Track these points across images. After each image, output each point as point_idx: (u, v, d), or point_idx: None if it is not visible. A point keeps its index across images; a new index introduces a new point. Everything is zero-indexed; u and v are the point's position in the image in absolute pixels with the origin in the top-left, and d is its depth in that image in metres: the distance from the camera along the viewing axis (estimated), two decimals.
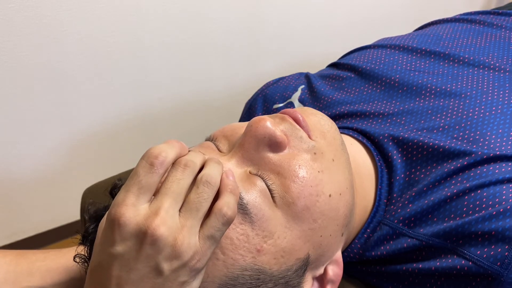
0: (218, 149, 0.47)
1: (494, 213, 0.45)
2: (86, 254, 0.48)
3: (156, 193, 0.36)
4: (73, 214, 1.19)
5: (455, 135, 0.53)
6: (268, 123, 0.44)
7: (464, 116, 0.55)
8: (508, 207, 0.45)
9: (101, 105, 1.11)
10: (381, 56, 0.68)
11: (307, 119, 0.47)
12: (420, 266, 0.48)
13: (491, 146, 0.51)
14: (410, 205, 0.50)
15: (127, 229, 0.35)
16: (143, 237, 0.34)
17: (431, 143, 0.53)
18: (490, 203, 0.46)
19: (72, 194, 1.01)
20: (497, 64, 0.61)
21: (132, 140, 1.21)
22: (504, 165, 0.49)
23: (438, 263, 0.46)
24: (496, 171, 0.48)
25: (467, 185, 0.48)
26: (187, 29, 1.13)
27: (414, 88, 0.61)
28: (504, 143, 0.51)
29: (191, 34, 1.14)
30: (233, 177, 0.40)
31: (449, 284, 0.46)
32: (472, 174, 0.49)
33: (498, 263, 0.43)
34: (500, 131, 0.52)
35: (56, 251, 0.58)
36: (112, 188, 0.51)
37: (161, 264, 0.35)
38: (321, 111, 0.51)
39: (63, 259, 0.56)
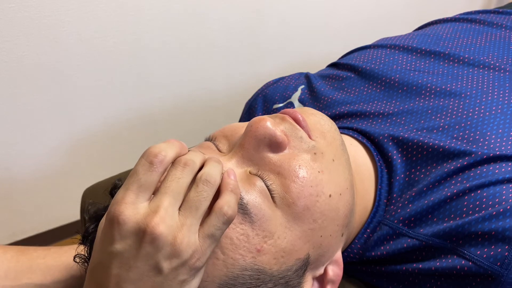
0: (218, 149, 0.46)
1: (494, 213, 0.45)
2: (86, 254, 0.48)
3: (155, 191, 0.36)
4: (73, 214, 1.19)
5: (455, 135, 0.53)
6: (269, 123, 0.44)
7: (464, 116, 0.55)
8: (508, 207, 0.45)
9: (101, 105, 1.11)
10: (381, 56, 0.67)
11: (307, 119, 0.47)
12: (420, 266, 0.48)
13: (491, 146, 0.51)
14: (410, 205, 0.50)
15: (126, 227, 0.35)
16: (143, 235, 0.34)
17: (431, 143, 0.53)
18: (490, 203, 0.46)
19: (72, 194, 1.01)
20: (497, 64, 0.61)
21: (132, 140, 1.21)
22: (504, 165, 0.49)
23: (438, 263, 0.46)
24: (496, 171, 0.48)
25: (467, 185, 0.48)
26: (187, 29, 1.13)
27: (414, 88, 0.60)
28: (504, 143, 0.51)
29: (191, 34, 1.14)
30: (235, 177, 0.40)
31: (449, 284, 0.46)
32: (472, 174, 0.49)
33: (498, 263, 0.43)
34: (500, 131, 0.52)
35: (57, 248, 0.58)
36: (112, 188, 0.50)
37: (161, 262, 0.35)
38: (321, 111, 0.51)
39: (64, 256, 0.56)
